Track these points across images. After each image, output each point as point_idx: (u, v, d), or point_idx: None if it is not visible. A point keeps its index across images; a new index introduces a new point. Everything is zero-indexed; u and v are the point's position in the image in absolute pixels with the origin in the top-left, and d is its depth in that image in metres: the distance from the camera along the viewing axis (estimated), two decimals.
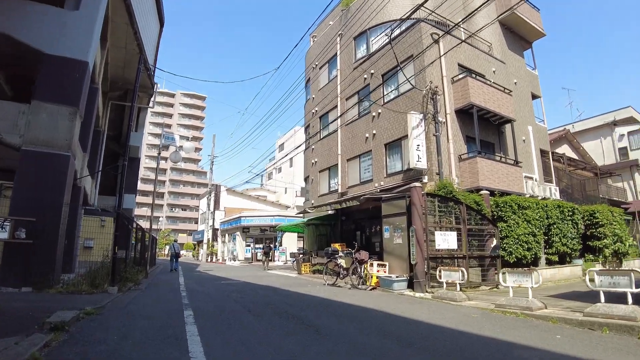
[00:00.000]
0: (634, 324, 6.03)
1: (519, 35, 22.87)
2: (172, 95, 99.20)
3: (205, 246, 41.21)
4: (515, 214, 14.18)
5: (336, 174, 20.86)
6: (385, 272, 12.76)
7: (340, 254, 13.80)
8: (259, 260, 35.16)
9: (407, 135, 16.30)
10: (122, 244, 12.46)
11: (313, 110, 23.69)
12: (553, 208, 16.13)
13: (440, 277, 10.59)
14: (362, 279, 12.52)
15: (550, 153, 22.80)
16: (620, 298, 6.75)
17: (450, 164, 15.70)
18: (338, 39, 21.69)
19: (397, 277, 11.99)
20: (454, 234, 12.42)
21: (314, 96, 24.05)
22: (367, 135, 18.64)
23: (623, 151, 31.85)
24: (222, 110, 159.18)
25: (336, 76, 21.67)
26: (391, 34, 15.30)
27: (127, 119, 19.51)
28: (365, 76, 19.22)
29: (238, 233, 36.42)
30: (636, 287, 6.46)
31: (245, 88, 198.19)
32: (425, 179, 15.29)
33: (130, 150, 20.02)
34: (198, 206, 56.51)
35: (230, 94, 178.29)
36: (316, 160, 22.74)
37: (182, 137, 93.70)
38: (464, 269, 10.24)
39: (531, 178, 19.56)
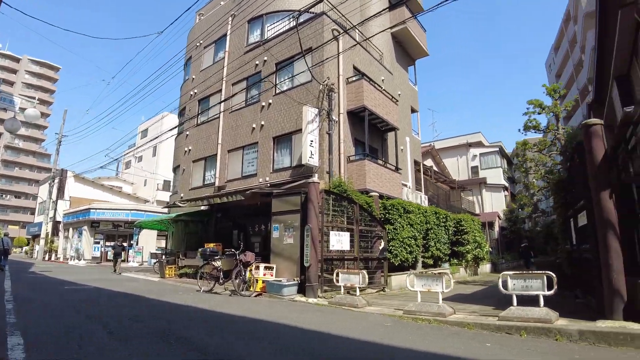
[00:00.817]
0: (550, 326, 6.10)
1: (406, 51, 23.70)
2: (17, 60, 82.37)
3: (42, 242, 34.05)
4: (401, 217, 14.08)
5: (214, 166, 18.74)
6: (272, 275, 11.33)
7: (219, 255, 11.88)
8: (110, 260, 30.55)
9: (299, 130, 15.29)
10: None
11: (192, 92, 21.16)
12: (431, 214, 16.62)
13: (337, 280, 9.60)
14: (246, 284, 10.87)
15: (421, 164, 24.02)
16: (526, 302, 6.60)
17: (340, 164, 15.02)
18: (230, 19, 19.71)
19: (287, 281, 10.65)
20: (347, 234, 11.65)
21: (194, 77, 21.54)
22: (254, 125, 17.05)
23: (475, 169, 36.11)
24: (81, 79, 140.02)
25: (223, 58, 19.64)
26: (298, 18, 14.05)
27: None
28: (257, 62, 17.66)
29: (85, 228, 30.92)
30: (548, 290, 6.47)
31: (113, 54, 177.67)
32: (316, 177, 14.26)
33: None
34: (37, 194, 47.31)
35: (96, 61, 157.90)
36: (190, 148, 20.27)
37: (22, 109, 79.13)
38: (364, 272, 9.38)
39: (406, 185, 20.11)
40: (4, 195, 76.47)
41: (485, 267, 22.64)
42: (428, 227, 16.09)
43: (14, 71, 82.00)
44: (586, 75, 36.11)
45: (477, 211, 32.45)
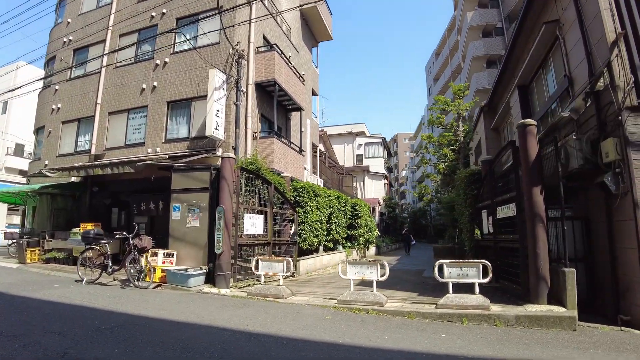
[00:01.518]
0: (489, 313, 6.17)
1: (311, 32, 22.91)
2: None
3: None
4: (310, 200, 13.35)
5: (89, 130, 15.79)
6: (172, 263, 9.63)
7: (106, 239, 9.70)
8: None
9: (200, 97, 13.64)
10: None
11: (65, 39, 17.57)
12: (334, 198, 16.23)
13: (257, 268, 8.48)
14: (142, 273, 9.01)
15: (317, 148, 23.64)
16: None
17: (247, 139, 13.68)
18: None
19: (194, 270, 9.10)
20: (261, 217, 10.48)
21: (69, 20, 17.90)
22: (144, 86, 14.67)
23: (359, 157, 37.46)
24: None
25: (110, 3, 16.60)
26: None
27: None
28: (154, 14, 15.22)
29: None
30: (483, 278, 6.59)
31: None
32: (219, 152, 12.79)
33: None
34: None
35: None
36: (60, 106, 16.85)
37: None
38: (289, 260, 8.41)
39: (305, 168, 19.48)
40: None
41: (371, 250, 23.21)
42: (331, 211, 15.66)
43: None
44: (464, 81, 39.46)
45: (359, 196, 33.49)
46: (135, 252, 8.96)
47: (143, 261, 9.04)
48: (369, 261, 7.46)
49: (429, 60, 57.41)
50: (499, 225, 8.68)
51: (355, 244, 19.12)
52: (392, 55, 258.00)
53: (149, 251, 9.43)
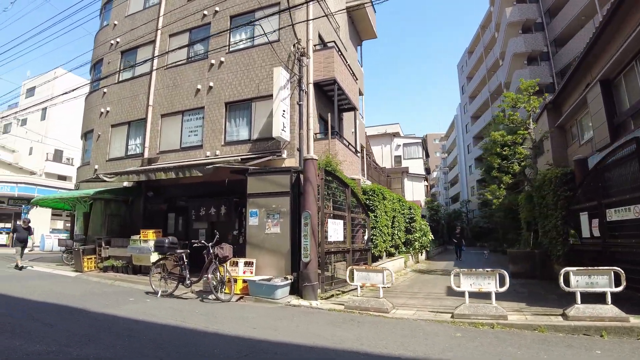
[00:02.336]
0: (630, 325, 5.51)
1: (356, 30, 22.10)
2: None
3: None
4: (379, 204, 12.53)
5: (141, 132, 15.31)
6: (252, 272, 8.91)
7: (179, 248, 9.02)
8: None
9: (261, 97, 13.06)
10: None
11: (112, 41, 17.18)
12: (396, 201, 15.35)
13: (352, 279, 7.71)
14: (223, 285, 8.27)
15: (364, 149, 22.81)
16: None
17: (309, 141, 12.90)
18: None
19: (282, 280, 8.36)
20: (341, 222, 9.71)
21: (116, 22, 17.51)
22: (198, 86, 14.08)
23: (398, 159, 36.40)
24: None
25: (159, 4, 16.12)
26: None
27: None
28: (206, 13, 14.64)
29: None
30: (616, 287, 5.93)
31: None
32: (284, 155, 12.07)
33: None
34: None
35: None
36: (109, 109, 16.42)
37: None
38: (390, 270, 7.59)
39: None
40: None
41: (422, 255, 22.22)
42: (394, 215, 14.79)
43: None
44: (504, 79, 38.10)
45: None
46: (216, 263, 8.24)
47: (221, 271, 8.28)
48: (487, 271, 6.59)
49: (461, 58, 56.03)
50: (608, 228, 7.77)
51: (411, 248, 18.20)
52: (419, 54, 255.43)
53: (230, 260, 8.69)
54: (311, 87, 13.52)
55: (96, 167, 16.05)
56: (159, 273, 8.72)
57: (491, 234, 34.03)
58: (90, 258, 12.80)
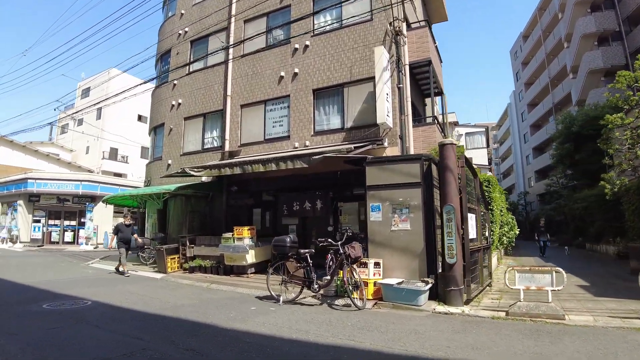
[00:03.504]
0: None
1: (427, 11, 20.55)
2: None
3: None
4: (494, 196, 11.16)
5: (218, 125, 14.46)
6: (379, 275, 7.77)
7: (304, 248, 7.90)
8: (54, 243, 24.51)
9: (352, 81, 11.93)
10: None
11: (180, 31, 16.42)
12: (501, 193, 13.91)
13: (514, 282, 6.44)
14: (357, 289, 7.13)
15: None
16: None
17: (408, 128, 11.62)
18: None
19: (425, 284, 7.16)
20: (474, 217, 8.41)
21: (183, 12, 16.71)
22: (282, 73, 13.04)
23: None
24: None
25: None
26: None
27: None
28: None
29: (21, 202, 24.28)
30: None
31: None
32: (386, 143, 10.86)
33: None
34: None
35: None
36: (180, 102, 15.66)
37: None
38: (560, 270, 6.30)
39: None
40: None
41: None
42: (500, 208, 13.37)
43: None
44: (570, 62, 35.54)
45: None
46: (348, 264, 7.12)
47: (348, 273, 7.12)
48: None
49: (515, 43, 53.16)
50: None
51: (499, 243, 16.64)
52: (466, 41, 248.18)
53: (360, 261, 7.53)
54: (407, 69, 12.22)
55: (169, 161, 15.34)
56: (279, 277, 7.66)
57: (559, 227, 31.73)
58: (174, 258, 11.99)
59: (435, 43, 14.58)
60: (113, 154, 33.79)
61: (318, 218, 11.68)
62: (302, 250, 7.45)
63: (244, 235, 10.51)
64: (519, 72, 51.44)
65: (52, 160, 31.24)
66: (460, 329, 5.59)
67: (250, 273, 10.80)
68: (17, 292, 8.25)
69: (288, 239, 7.51)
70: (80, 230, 24.58)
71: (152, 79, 19.08)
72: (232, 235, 10.70)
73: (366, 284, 7.41)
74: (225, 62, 14.36)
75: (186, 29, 16.24)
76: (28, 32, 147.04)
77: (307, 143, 12.06)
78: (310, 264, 7.39)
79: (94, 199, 24.70)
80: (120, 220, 12.47)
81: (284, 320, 6.06)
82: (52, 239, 24.79)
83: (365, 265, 7.63)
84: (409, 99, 11.96)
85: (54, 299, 7.46)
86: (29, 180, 23.73)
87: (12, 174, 25.89)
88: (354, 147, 9.82)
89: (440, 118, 16.59)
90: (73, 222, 25.27)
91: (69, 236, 25.10)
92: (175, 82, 15.97)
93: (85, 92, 35.70)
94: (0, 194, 26.01)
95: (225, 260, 10.85)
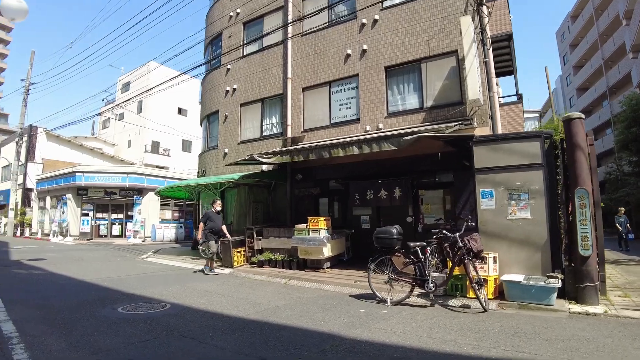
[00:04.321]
0: None
1: None
2: None
3: (12, 214, 27.37)
4: None
5: (277, 110, 13.64)
6: (495, 270, 6.74)
7: (413, 241, 6.85)
8: (102, 236, 24.46)
9: (430, 56, 10.81)
10: None
11: (232, 13, 15.62)
12: None
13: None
14: (481, 287, 6.11)
15: None
16: None
17: (495, 106, 10.43)
18: None
19: (557, 281, 6.10)
20: None
21: None
22: (348, 51, 12.05)
23: None
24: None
25: None
26: None
27: None
28: None
29: (70, 196, 24.24)
30: None
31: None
32: (475, 123, 9.73)
33: None
34: None
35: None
36: (235, 87, 14.89)
37: None
38: None
39: None
40: None
41: None
42: None
43: None
44: (631, 40, 33.12)
45: None
46: (468, 258, 6.11)
47: (467, 270, 6.10)
48: None
49: (562, 25, 50.38)
50: None
51: None
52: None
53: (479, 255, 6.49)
54: (489, 42, 11.02)
55: (226, 150, 14.62)
56: (383, 273, 6.70)
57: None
58: (240, 251, 11.25)
59: (510, 17, 13.27)
60: (155, 147, 33.75)
61: (395, 208, 10.68)
62: (411, 243, 6.46)
63: (320, 226, 9.61)
64: (567, 55, 48.81)
65: (96, 154, 31.39)
66: (629, 335, 4.54)
67: (327, 268, 9.91)
68: (85, 292, 7.56)
69: (394, 230, 6.53)
70: (128, 223, 24.36)
71: (197, 67, 18.55)
72: (307, 226, 9.83)
73: (484, 281, 6.39)
74: (284, 41, 13.47)
75: (238, 10, 15.41)
76: (72, 27, 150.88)
77: (381, 126, 11.06)
78: (422, 259, 6.39)
79: (140, 191, 24.47)
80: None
81: (413, 327, 5.12)
82: (100, 232, 24.76)
83: (483, 259, 6.59)
84: (494, 76, 10.81)
85: (126, 300, 6.71)
86: (77, 174, 23.68)
87: (59, 168, 26.01)
88: (445, 128, 8.75)
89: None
90: (120, 216, 25.18)
91: (116, 229, 25.03)
92: (229, 66, 15.21)
93: (126, 86, 35.70)
94: (50, 188, 26.21)
95: (299, 253, 10.00)
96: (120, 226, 25.02)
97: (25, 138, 27.97)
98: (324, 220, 9.76)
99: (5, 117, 71.95)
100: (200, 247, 13.40)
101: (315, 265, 9.92)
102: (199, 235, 10.33)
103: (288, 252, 10.48)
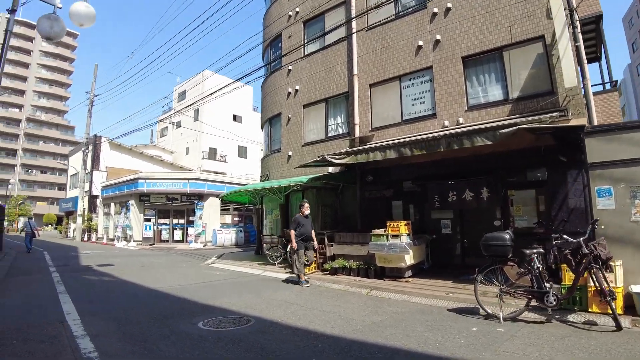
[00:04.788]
0: None
1: None
2: (33, 27, 75.48)
3: (80, 219, 28.93)
4: None
5: (342, 110, 13.09)
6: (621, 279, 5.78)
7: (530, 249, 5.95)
8: (164, 241, 25.03)
9: (513, 44, 9.80)
10: None
11: (291, 12, 15.27)
12: None
13: None
14: (614, 299, 5.19)
15: None
16: None
17: (589, 95, 9.27)
18: None
19: None
20: None
21: None
22: (419, 43, 11.27)
23: None
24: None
25: None
26: None
27: None
28: None
29: (133, 202, 25.16)
30: None
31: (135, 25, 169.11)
32: (570, 114, 8.67)
33: None
34: (66, 164, 40.33)
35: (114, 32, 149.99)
36: (297, 88, 14.51)
37: (41, 79, 72.90)
38: None
39: None
40: (30, 170, 70.71)
41: None
42: None
43: (30, 39, 74.04)
44: None
45: None
46: (599, 266, 5.21)
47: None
48: None
49: (629, 9, 46.76)
50: None
51: None
52: None
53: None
54: (579, 25, 9.89)
55: (289, 153, 14.24)
56: (492, 285, 5.89)
57: None
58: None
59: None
60: (212, 154, 34.40)
61: (480, 210, 9.76)
62: (527, 251, 5.62)
63: (401, 231, 8.90)
64: (636, 42, 45.17)
65: (156, 161, 32.35)
66: None
67: (408, 277, 9.18)
68: (159, 302, 7.28)
69: (507, 236, 5.71)
70: (189, 228, 24.72)
71: (254, 72, 18.38)
72: (385, 231, 9.15)
73: (611, 293, 5.43)
74: (348, 37, 12.90)
75: (297, 9, 15.03)
76: (132, 37, 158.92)
77: (461, 120, 10.20)
78: (539, 269, 5.53)
79: (201, 196, 24.79)
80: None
81: (548, 350, 4.34)
82: (162, 238, 25.32)
83: (609, 268, 5.64)
84: (586, 62, 9.66)
85: (204, 312, 6.30)
86: (139, 180, 24.41)
87: (122, 175, 27.01)
88: (548, 118, 7.80)
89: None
90: (181, 221, 25.65)
91: (178, 234, 25.49)
92: (290, 67, 14.85)
93: (182, 95, 36.64)
94: (114, 195, 27.32)
95: (377, 261, 9.33)
96: (181, 231, 25.45)
97: (90, 147, 29.30)
98: (405, 224, 9.05)
99: (71, 129, 77.42)
100: (267, 252, 13.05)
101: (395, 274, 9.22)
102: (293, 243, 9.13)
103: (363, 259, 9.85)
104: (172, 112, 34.51)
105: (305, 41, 14.56)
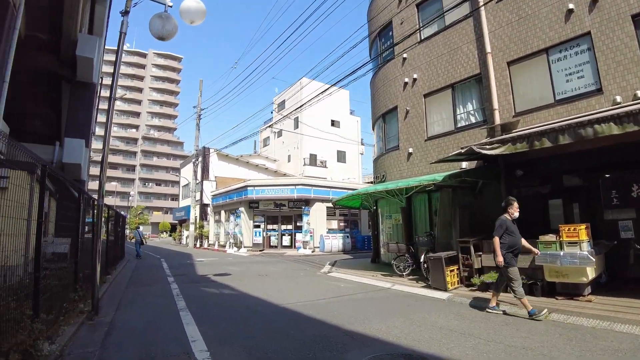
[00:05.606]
0: None
1: None
2: (144, 55, 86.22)
3: (192, 227, 30.69)
4: None
5: (473, 94, 11.39)
6: None
7: None
8: (273, 247, 25.26)
9: None
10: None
11: None
12: None
13: None
14: None
15: None
16: None
17: None
18: None
19: None
20: None
21: None
22: (570, 6, 9.20)
23: None
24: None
25: None
26: None
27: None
28: None
29: (242, 209, 25.83)
30: None
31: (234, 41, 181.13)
32: None
33: (80, 65, 10.84)
34: (178, 175, 43.14)
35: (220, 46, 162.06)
36: (415, 77, 13.06)
37: (153, 101, 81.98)
38: None
39: None
40: (146, 183, 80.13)
41: None
42: None
43: (142, 66, 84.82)
44: None
45: None
46: None
47: None
48: None
49: None
50: None
51: None
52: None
53: None
54: None
55: (410, 150, 12.85)
56: None
57: None
58: (452, 270, 9.18)
59: None
60: (313, 160, 34.46)
61: None
62: None
63: (581, 237, 7.03)
64: None
65: (261, 170, 33.08)
66: None
67: (587, 294, 7.25)
68: (292, 325, 6.20)
69: None
70: (297, 234, 24.53)
71: (358, 69, 17.37)
72: (558, 237, 7.33)
73: None
74: (473, 12, 11.18)
75: None
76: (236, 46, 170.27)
77: (639, 93, 7.99)
78: None
79: (308, 202, 24.54)
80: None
81: None
82: (270, 243, 25.57)
83: None
84: None
85: (355, 344, 5.03)
86: (248, 188, 24.94)
87: (230, 184, 27.93)
88: None
89: None
90: (289, 226, 25.68)
91: (286, 240, 25.57)
92: (405, 55, 13.49)
93: (281, 105, 37.22)
94: (224, 203, 28.40)
95: (546, 274, 7.55)
96: (289, 237, 25.50)
97: (200, 159, 30.77)
98: (585, 228, 7.14)
99: (180, 144, 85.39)
100: (393, 262, 11.76)
101: (569, 290, 7.35)
102: (499, 257, 6.60)
103: (522, 273, 8.05)
104: (272, 122, 35.04)
105: (421, 25, 13.07)
